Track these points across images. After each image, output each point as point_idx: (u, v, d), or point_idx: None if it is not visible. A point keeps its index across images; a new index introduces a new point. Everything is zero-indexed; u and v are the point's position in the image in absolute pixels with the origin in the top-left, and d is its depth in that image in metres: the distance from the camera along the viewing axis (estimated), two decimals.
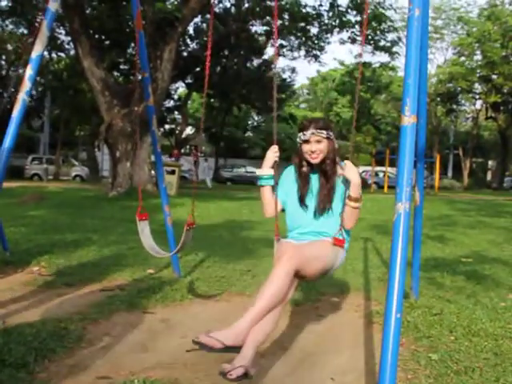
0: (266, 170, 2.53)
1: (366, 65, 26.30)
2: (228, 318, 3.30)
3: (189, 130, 35.80)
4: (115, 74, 24.42)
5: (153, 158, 15.10)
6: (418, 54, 1.87)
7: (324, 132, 2.44)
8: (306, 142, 2.46)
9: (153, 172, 14.61)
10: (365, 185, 27.75)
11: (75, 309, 3.29)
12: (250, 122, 42.04)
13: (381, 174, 32.70)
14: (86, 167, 28.33)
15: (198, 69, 24.99)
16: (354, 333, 3.08)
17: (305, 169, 2.53)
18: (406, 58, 1.87)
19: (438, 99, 34.76)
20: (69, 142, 32.12)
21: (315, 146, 2.45)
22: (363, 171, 33.24)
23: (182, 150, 31.83)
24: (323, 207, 2.47)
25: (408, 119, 1.85)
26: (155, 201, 9.76)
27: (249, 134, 40.89)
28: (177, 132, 31.16)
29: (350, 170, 2.36)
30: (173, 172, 15.36)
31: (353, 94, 33.71)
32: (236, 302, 3.69)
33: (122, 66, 25.42)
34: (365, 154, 39.15)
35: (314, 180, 2.53)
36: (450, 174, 39.09)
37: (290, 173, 2.62)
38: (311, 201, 2.51)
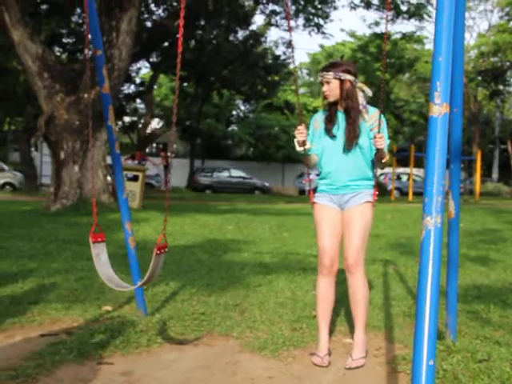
0: (300, 148, 3.43)
1: (386, 35, 26.61)
2: (209, 366, 3.32)
3: (155, 124, 35.87)
4: (56, 49, 24.42)
5: (109, 160, 15.13)
6: (451, 22, 1.89)
7: (330, 73, 3.39)
8: (321, 83, 3.47)
9: (109, 178, 14.57)
10: (384, 191, 28.01)
11: (4, 363, 3.25)
12: (234, 113, 42.18)
13: (404, 178, 32.97)
14: (19, 172, 28.13)
15: (166, 44, 25.06)
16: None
17: (327, 108, 3.53)
18: (435, 27, 1.89)
19: (479, 78, 34.95)
20: None
21: (325, 86, 3.44)
22: (381, 174, 33.49)
23: (147, 150, 31.85)
24: (351, 142, 3.40)
25: (438, 108, 1.87)
26: (113, 215, 9.79)
27: (233, 127, 41.00)
28: (140, 126, 31.15)
29: (378, 142, 3.25)
30: (135, 178, 15.36)
31: (368, 73, 34.04)
32: (219, 347, 3.69)
33: (65, 40, 25.37)
34: None
35: (341, 118, 3.47)
36: (495, 175, 39.36)
37: (319, 117, 3.60)
38: (340, 137, 3.45)
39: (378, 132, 3.29)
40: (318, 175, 3.65)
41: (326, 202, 3.52)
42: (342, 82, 3.40)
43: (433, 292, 1.76)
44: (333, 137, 3.46)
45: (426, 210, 1.82)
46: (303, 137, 3.36)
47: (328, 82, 3.41)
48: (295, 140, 3.39)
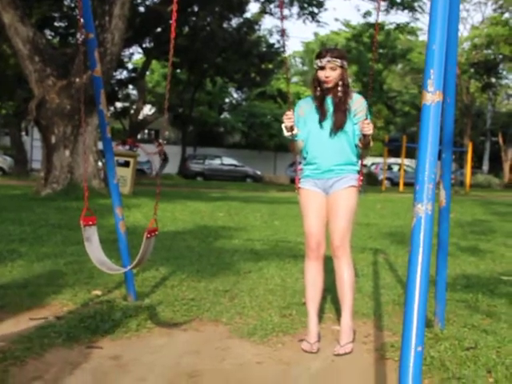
0: (288, 134, 3.46)
1: (379, 26, 26.61)
2: (199, 352, 3.33)
3: (147, 110, 35.70)
4: (48, 33, 24.18)
5: (100, 145, 15.05)
6: (446, 12, 1.89)
7: (338, 61, 3.44)
8: (322, 68, 3.46)
9: (100, 164, 14.51)
10: (375, 181, 28.10)
11: None
12: (226, 101, 42.04)
13: (395, 168, 33.08)
14: (9, 157, 27.96)
15: (159, 29, 24.90)
16: (361, 371, 3.11)
17: (319, 93, 3.54)
18: (430, 16, 1.89)
19: (472, 70, 34.99)
20: None
21: (329, 72, 3.44)
22: (372, 164, 33.62)
23: (139, 136, 31.73)
24: (339, 125, 3.46)
25: (432, 96, 1.88)
26: (103, 201, 9.77)
27: (225, 115, 40.89)
28: (132, 112, 30.97)
29: (366, 127, 3.30)
30: (126, 164, 15.32)
31: (360, 63, 33.99)
32: (209, 332, 3.70)
33: (56, 23, 25.13)
34: (375, 141, 39.52)
35: (329, 103, 3.53)
36: (485, 167, 39.58)
37: (303, 104, 3.66)
38: (327, 121, 3.50)
39: (366, 118, 3.37)
40: (298, 163, 3.71)
41: (310, 186, 3.57)
42: (343, 70, 3.48)
43: (422, 278, 1.77)
44: (321, 123, 3.51)
45: (417, 197, 1.83)
46: (291, 122, 3.40)
47: (334, 69, 3.44)
48: (283, 125, 3.43)
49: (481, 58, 34.35)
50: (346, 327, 3.44)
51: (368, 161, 33.06)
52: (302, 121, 3.57)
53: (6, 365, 2.96)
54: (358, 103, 3.52)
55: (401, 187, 25.60)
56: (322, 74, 3.46)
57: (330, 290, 4.33)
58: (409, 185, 26.34)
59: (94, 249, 3.42)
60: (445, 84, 2.98)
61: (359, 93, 3.62)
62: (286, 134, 3.46)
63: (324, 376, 3.07)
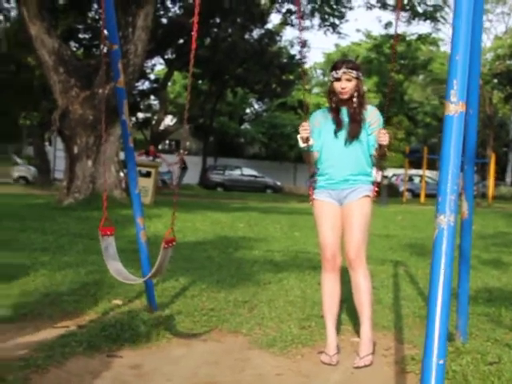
0: (303, 145, 3.47)
1: (399, 37, 26.50)
2: (218, 362, 3.32)
3: (169, 121, 35.96)
4: (73, 44, 24.53)
5: (122, 155, 15.17)
6: (470, 22, 1.88)
7: (354, 72, 3.47)
8: (337, 80, 3.48)
9: (122, 174, 14.62)
10: (396, 193, 27.92)
11: (15, 353, 3.28)
12: (247, 111, 42.19)
13: (416, 179, 32.82)
14: (33, 166, 28.30)
15: (181, 41, 25.10)
16: (381, 383, 3.08)
17: (334, 104, 3.57)
18: (453, 27, 1.89)
19: (495, 81, 34.75)
20: (10, 132, 32.06)
21: (345, 83, 3.47)
22: (393, 175, 33.40)
23: (160, 146, 31.96)
24: (354, 135, 3.49)
25: (455, 107, 1.87)
26: (125, 211, 9.84)
27: (246, 126, 41.02)
28: (153, 122, 31.23)
29: (382, 138, 3.36)
30: (148, 174, 15.41)
31: (381, 74, 33.92)
32: (228, 343, 3.69)
33: (81, 35, 25.50)
34: (396, 152, 39.24)
35: (344, 114, 3.55)
36: (508, 179, 39.09)
37: (318, 115, 3.69)
38: (342, 131, 3.52)
39: (382, 129, 3.43)
40: (314, 174, 3.70)
41: (325, 197, 3.58)
42: (359, 81, 3.52)
43: (445, 290, 1.76)
44: (336, 133, 3.53)
45: (440, 208, 1.82)
46: (307, 133, 3.42)
47: (350, 80, 3.47)
48: (299, 136, 3.46)
49: (504, 69, 34.09)
50: (366, 339, 3.41)
51: (389, 172, 32.92)
52: (317, 132, 3.58)
53: (28, 373, 2.99)
54: (372, 114, 3.55)
55: (422, 199, 25.38)
56: (337, 86, 3.49)
57: (347, 301, 4.30)
58: (430, 196, 26.13)
59: (111, 259, 3.45)
60: (468, 95, 2.96)
61: (378, 104, 3.62)
62: (302, 145, 3.47)
63: None
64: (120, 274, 3.37)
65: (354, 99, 3.51)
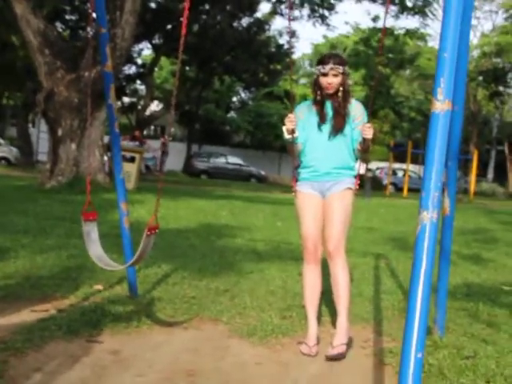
0: (288, 136, 3.51)
1: (388, 31, 26.54)
2: (198, 350, 3.33)
3: (155, 106, 35.73)
4: (59, 26, 24.22)
5: (106, 139, 15.06)
6: (459, 20, 1.89)
7: (341, 67, 3.48)
8: (324, 75, 3.50)
9: (105, 158, 14.52)
10: (379, 186, 28.06)
11: None
12: (234, 100, 42.06)
13: (400, 173, 33.01)
14: (16, 148, 28.00)
15: (169, 26, 24.92)
16: (359, 375, 3.12)
17: (319, 97, 3.58)
18: (442, 24, 1.89)
19: (480, 78, 34.93)
20: None
21: (331, 79, 3.49)
22: (377, 168, 33.55)
23: (145, 132, 31.78)
24: (338, 128, 3.52)
25: (441, 105, 1.88)
26: (108, 195, 9.78)
27: (232, 114, 40.90)
28: (139, 108, 31.00)
29: (366, 131, 3.37)
30: (132, 159, 15.32)
31: (368, 67, 33.95)
32: (209, 331, 3.71)
33: (67, 16, 25.18)
34: (380, 146, 39.49)
35: (328, 107, 3.57)
36: (490, 175, 39.52)
37: (303, 107, 3.70)
38: (326, 124, 3.55)
39: (366, 123, 3.47)
40: (298, 166, 3.72)
41: (307, 189, 3.60)
42: (345, 76, 3.54)
43: (425, 285, 1.78)
44: (320, 126, 3.56)
45: (423, 204, 1.83)
46: (293, 125, 3.46)
47: (336, 75, 3.49)
48: (284, 128, 3.48)
49: (489, 66, 34.28)
50: (341, 329, 3.43)
51: (373, 165, 33.05)
52: (301, 124, 3.59)
53: (7, 355, 2.97)
54: (356, 109, 3.59)
55: (405, 192, 25.55)
56: (324, 81, 3.51)
57: (328, 293, 4.32)
58: (413, 190, 26.32)
59: (93, 244, 3.44)
60: (454, 91, 2.98)
61: (364, 97, 3.64)
62: (287, 136, 3.51)
63: (322, 379, 3.08)
64: (101, 260, 3.36)
65: (339, 93, 3.53)
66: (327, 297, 4.31)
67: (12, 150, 27.57)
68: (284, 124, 3.49)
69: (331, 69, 3.46)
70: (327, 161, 3.55)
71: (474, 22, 36.18)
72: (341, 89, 3.52)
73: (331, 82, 3.48)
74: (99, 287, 4.47)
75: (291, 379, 3.03)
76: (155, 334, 3.57)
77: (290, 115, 3.48)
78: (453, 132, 3.33)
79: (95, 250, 3.42)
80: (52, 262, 5.21)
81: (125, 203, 4.16)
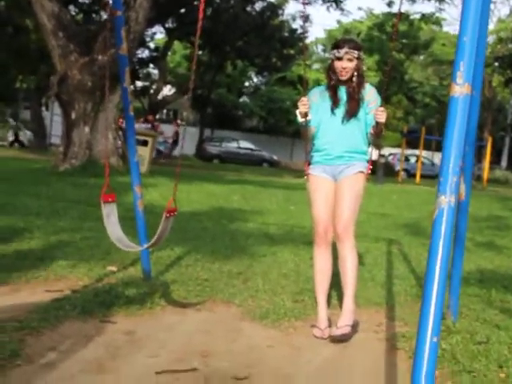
0: (302, 120, 3.51)
1: (402, 16, 26.21)
2: (211, 332, 3.35)
3: (167, 90, 35.70)
4: (72, 9, 24.18)
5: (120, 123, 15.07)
6: (479, 4, 1.86)
7: (356, 52, 3.47)
8: (339, 59, 3.48)
9: (119, 142, 14.55)
10: (391, 172, 27.93)
11: (10, 314, 3.30)
12: (246, 84, 41.89)
13: (412, 159, 32.81)
14: (29, 130, 28.12)
15: (182, 10, 24.80)
16: (372, 359, 3.12)
17: (333, 82, 3.57)
18: (463, 7, 1.86)
19: (496, 64, 34.49)
20: (6, 95, 31.71)
21: (346, 63, 3.48)
22: (390, 154, 33.36)
23: (157, 116, 31.79)
24: (352, 113, 3.51)
25: (460, 89, 1.85)
26: (120, 179, 9.80)
27: (244, 99, 40.76)
28: (151, 91, 31.00)
29: (379, 115, 3.36)
30: (145, 143, 15.34)
31: (382, 52, 33.67)
32: (221, 313, 3.72)
33: (81, 0, 25.13)
34: (393, 131, 39.21)
35: (342, 92, 3.57)
36: (504, 163, 39.11)
37: (316, 92, 3.69)
38: (340, 109, 3.54)
39: (380, 106, 3.45)
40: (311, 150, 3.73)
41: (320, 173, 3.61)
42: (359, 61, 3.54)
43: (442, 270, 1.76)
44: (333, 110, 3.56)
45: (441, 189, 1.81)
46: (306, 108, 3.45)
47: (351, 60, 3.49)
48: (297, 111, 3.49)
49: (505, 52, 33.81)
50: (347, 310, 3.45)
51: (385, 151, 32.87)
52: (315, 108, 3.59)
53: (23, 334, 3.01)
54: (370, 93, 3.58)
55: (417, 179, 25.41)
56: (339, 65, 3.50)
57: (339, 277, 4.32)
58: (425, 177, 26.17)
59: (113, 225, 3.43)
60: (472, 76, 2.95)
61: (378, 83, 3.62)
62: (300, 119, 3.52)
63: (334, 362, 3.08)
64: (121, 241, 3.37)
65: (354, 78, 3.53)
66: (339, 280, 4.31)
67: (26, 133, 27.72)
68: (297, 107, 3.49)
69: (346, 53, 3.45)
70: (340, 144, 3.55)
71: (491, 6, 35.73)
72: (355, 74, 3.51)
73: (346, 66, 3.48)
74: (113, 269, 4.50)
75: (303, 362, 3.04)
76: (168, 316, 3.59)
77: (303, 98, 3.48)
78: (470, 117, 3.29)
79: (115, 231, 3.43)
80: (66, 244, 5.25)
81: (139, 186, 4.17)
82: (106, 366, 2.77)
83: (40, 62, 24.24)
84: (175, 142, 25.21)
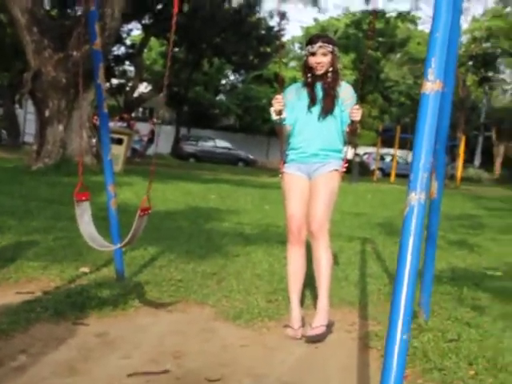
0: (276, 117, 3.46)
1: (379, 14, 26.38)
2: (184, 332, 3.34)
3: (143, 88, 35.44)
4: (47, 4, 23.84)
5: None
6: (451, 0, 1.87)
7: (330, 46, 3.48)
8: (313, 54, 3.49)
9: (93, 140, 14.41)
10: (366, 171, 28.12)
11: None
12: (223, 82, 41.80)
13: (388, 158, 33.07)
14: (2, 129, 27.73)
15: (159, 6, 24.63)
16: (344, 358, 3.13)
17: (310, 79, 3.57)
18: (435, 3, 1.87)
19: (470, 63, 34.91)
20: None
21: (320, 58, 3.48)
22: (365, 153, 33.56)
23: (133, 114, 31.56)
24: (327, 110, 3.51)
25: (431, 85, 1.86)
26: (94, 178, 9.69)
27: (221, 97, 40.68)
28: (127, 89, 30.73)
29: (354, 113, 3.36)
30: (120, 141, 15.21)
31: (358, 50, 33.87)
32: (195, 314, 3.71)
33: None
34: (369, 130, 39.47)
35: (318, 89, 3.57)
36: (477, 161, 39.63)
37: (292, 89, 3.69)
38: (316, 106, 3.54)
39: (356, 105, 3.46)
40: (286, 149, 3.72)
41: (294, 171, 3.61)
42: (334, 56, 3.53)
43: (412, 267, 1.78)
44: (309, 108, 3.55)
45: (411, 185, 1.82)
46: (280, 106, 3.42)
47: (325, 55, 3.50)
48: (272, 109, 3.46)
49: (479, 52, 34.26)
50: (321, 310, 3.45)
51: (361, 150, 33.08)
52: (290, 106, 3.57)
53: None
54: (346, 91, 3.58)
55: (392, 178, 25.63)
56: (313, 60, 3.51)
57: (314, 278, 4.34)
58: (400, 176, 26.39)
59: (86, 224, 3.39)
60: (444, 73, 2.98)
61: (354, 81, 3.63)
62: (275, 117, 3.49)
63: (307, 362, 3.09)
64: (94, 240, 3.33)
65: (329, 74, 3.53)
66: (313, 280, 4.33)
67: None
68: (271, 105, 3.48)
69: (320, 47, 3.46)
70: (315, 142, 3.55)
71: (464, 4, 36.14)
72: (330, 69, 3.53)
73: (320, 61, 3.48)
74: (85, 270, 4.45)
75: (277, 362, 3.05)
76: (141, 317, 3.57)
77: (277, 96, 3.46)
78: (442, 114, 3.33)
79: (88, 230, 3.39)
80: (38, 244, 5.18)
81: (112, 185, 4.13)
82: (77, 369, 2.75)
83: (14, 58, 23.90)
84: (150, 140, 25.04)
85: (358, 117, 3.38)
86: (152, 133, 25.10)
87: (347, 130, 3.54)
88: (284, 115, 3.48)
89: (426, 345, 3.24)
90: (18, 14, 13.11)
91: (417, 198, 1.81)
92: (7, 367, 2.68)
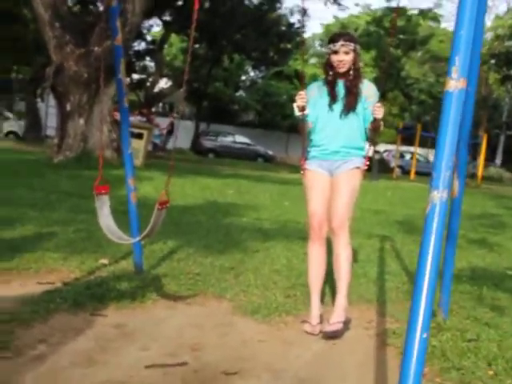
0: (299, 113, 3.50)
1: (400, 11, 26.16)
2: (202, 326, 3.35)
3: (163, 83, 35.58)
4: (69, 0, 24.03)
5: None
6: None
7: (352, 44, 3.47)
8: (335, 52, 3.48)
9: (114, 135, 14.50)
10: (386, 168, 27.95)
11: (0, 305, 3.29)
12: (243, 78, 41.80)
13: (407, 156, 32.83)
14: (24, 122, 28.00)
15: (180, 2, 24.69)
16: (362, 355, 3.12)
17: (331, 77, 3.56)
18: (459, 1, 1.85)
19: (492, 62, 34.51)
20: (0, 86, 31.55)
21: (343, 56, 3.47)
22: (385, 150, 33.36)
23: (153, 109, 31.71)
24: (350, 107, 3.51)
25: (455, 83, 1.84)
26: (115, 171, 9.76)
27: (241, 93, 40.68)
28: (148, 84, 30.88)
29: (377, 111, 3.38)
30: (140, 136, 15.27)
31: (379, 48, 33.64)
32: (212, 308, 3.72)
33: None
34: (389, 128, 39.20)
35: (340, 87, 3.56)
36: (498, 160, 39.18)
37: (314, 87, 3.69)
38: (338, 104, 3.54)
39: (377, 102, 3.45)
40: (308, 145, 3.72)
41: (316, 168, 3.61)
42: (356, 54, 3.52)
43: (433, 266, 1.76)
44: (331, 105, 3.55)
45: (434, 184, 1.81)
46: (303, 102, 3.45)
47: (347, 53, 3.48)
48: (295, 105, 3.49)
49: (502, 50, 33.84)
50: (339, 306, 3.45)
51: (380, 147, 32.88)
52: (312, 102, 3.57)
53: (13, 326, 3.00)
54: (368, 88, 3.58)
55: (412, 176, 25.44)
56: (335, 58, 3.50)
57: (333, 273, 4.32)
58: (420, 174, 26.19)
59: (105, 217, 3.42)
60: (468, 72, 2.94)
61: (374, 79, 3.61)
62: (298, 113, 3.51)
63: (324, 358, 3.09)
64: (113, 233, 3.35)
65: (351, 72, 3.52)
66: (333, 276, 4.31)
67: (21, 125, 27.59)
68: (295, 101, 3.48)
69: (342, 45, 3.45)
70: (337, 139, 3.54)
71: (488, 3, 35.73)
72: (352, 67, 3.51)
73: (342, 59, 3.47)
74: (105, 262, 4.48)
75: (294, 357, 3.04)
76: (159, 309, 3.58)
77: (300, 92, 3.48)
78: (465, 112, 3.29)
79: (107, 223, 3.41)
80: (58, 236, 5.23)
81: (132, 179, 4.15)
82: (96, 359, 2.77)
83: (36, 53, 24.12)
84: (170, 132, 25.09)
85: (380, 114, 3.37)
86: (171, 124, 25.15)
87: (370, 127, 3.54)
88: (307, 111, 3.49)
89: (444, 344, 3.22)
90: (41, 10, 13.26)
91: (439, 196, 1.79)
92: (27, 356, 2.71)
